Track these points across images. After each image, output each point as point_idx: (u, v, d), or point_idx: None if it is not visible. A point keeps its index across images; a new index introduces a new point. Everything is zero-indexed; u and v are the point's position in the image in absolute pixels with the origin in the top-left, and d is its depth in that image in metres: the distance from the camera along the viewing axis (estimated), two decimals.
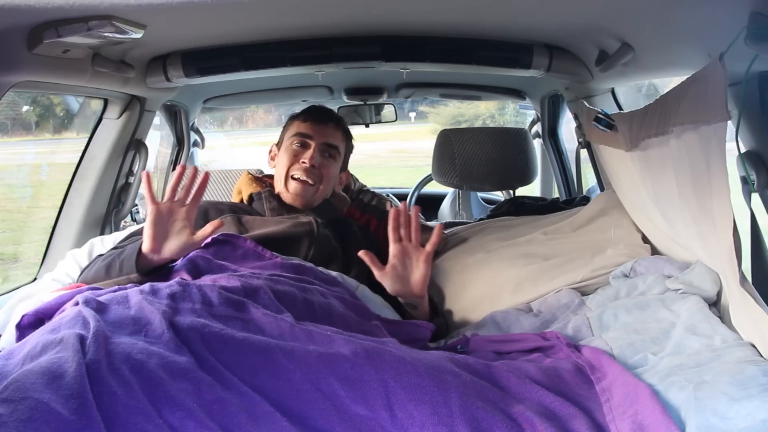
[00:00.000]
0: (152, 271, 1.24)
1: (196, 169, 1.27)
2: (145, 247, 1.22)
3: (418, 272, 1.34)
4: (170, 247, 1.21)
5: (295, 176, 1.51)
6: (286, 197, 1.53)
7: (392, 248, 1.34)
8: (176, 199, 1.23)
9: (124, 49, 1.48)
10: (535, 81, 2.30)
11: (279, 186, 1.55)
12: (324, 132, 1.55)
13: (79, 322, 0.82)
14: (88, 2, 1.03)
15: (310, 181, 1.51)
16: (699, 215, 1.05)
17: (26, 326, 1.02)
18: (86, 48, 1.35)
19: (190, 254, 1.24)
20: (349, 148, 1.66)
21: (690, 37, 1.09)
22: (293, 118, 1.60)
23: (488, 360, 0.99)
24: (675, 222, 1.22)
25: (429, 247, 1.34)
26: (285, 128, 1.61)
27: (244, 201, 1.60)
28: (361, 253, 1.31)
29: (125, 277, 1.24)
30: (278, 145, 1.61)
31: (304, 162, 1.51)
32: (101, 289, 1.11)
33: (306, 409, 0.79)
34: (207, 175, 1.26)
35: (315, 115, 1.57)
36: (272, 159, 1.62)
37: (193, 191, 1.25)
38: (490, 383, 0.88)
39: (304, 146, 1.54)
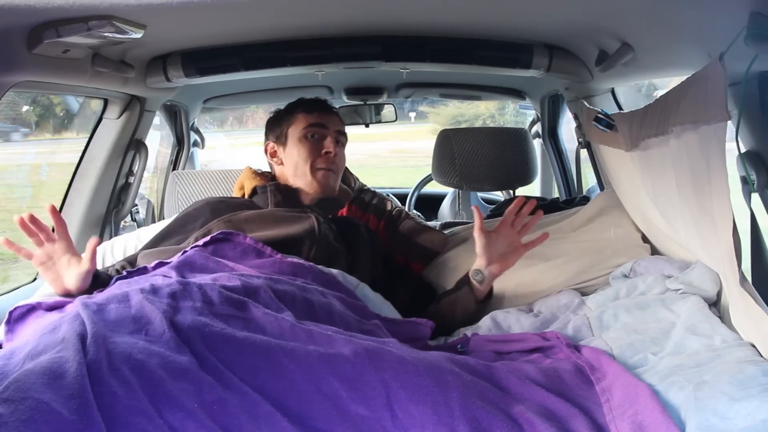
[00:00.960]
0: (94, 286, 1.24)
1: (31, 215, 1.22)
2: (56, 291, 1.24)
3: (510, 256, 1.35)
4: (71, 282, 1.22)
5: (322, 167, 1.51)
6: (313, 189, 1.51)
7: (502, 223, 1.37)
8: (44, 241, 1.21)
9: (124, 49, 1.48)
10: (535, 81, 2.30)
11: (302, 180, 1.52)
12: (334, 120, 1.56)
13: (80, 322, 0.82)
14: (88, 2, 1.03)
15: (333, 170, 1.53)
16: (699, 215, 1.05)
17: (17, 318, 1.03)
18: (86, 48, 1.35)
19: (187, 252, 1.22)
20: None
21: (690, 37, 1.09)
22: (291, 111, 1.57)
23: (488, 360, 0.99)
24: (675, 222, 1.22)
25: (523, 248, 1.35)
26: (284, 123, 1.56)
27: (246, 195, 1.58)
28: (474, 208, 1.36)
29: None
30: (278, 141, 1.57)
31: (328, 152, 1.51)
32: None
33: (307, 410, 0.79)
34: (52, 208, 1.22)
35: (318, 106, 1.57)
36: (272, 156, 1.58)
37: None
38: (490, 384, 0.88)
39: (320, 137, 1.53)
